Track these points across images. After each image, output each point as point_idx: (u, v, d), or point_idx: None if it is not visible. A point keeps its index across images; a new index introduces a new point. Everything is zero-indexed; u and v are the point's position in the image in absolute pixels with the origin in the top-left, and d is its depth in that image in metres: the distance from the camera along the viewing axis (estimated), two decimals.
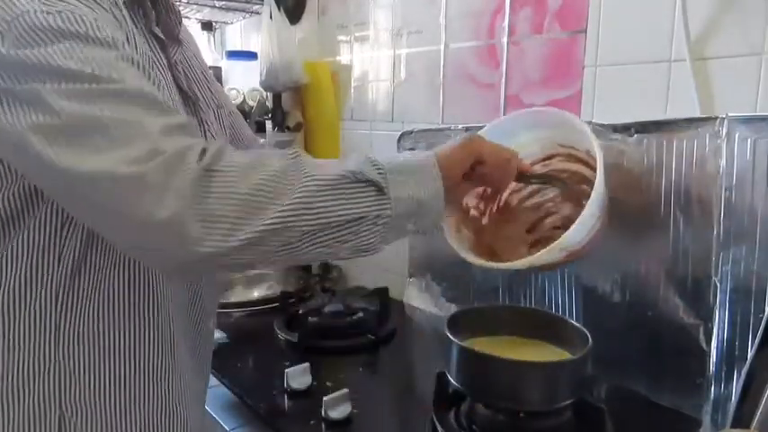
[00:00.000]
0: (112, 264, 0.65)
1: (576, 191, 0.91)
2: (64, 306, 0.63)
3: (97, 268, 0.64)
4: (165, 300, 0.70)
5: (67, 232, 0.62)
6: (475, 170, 0.72)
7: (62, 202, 0.60)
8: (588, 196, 0.80)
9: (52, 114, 0.52)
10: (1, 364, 0.62)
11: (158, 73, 0.67)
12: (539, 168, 0.93)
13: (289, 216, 0.55)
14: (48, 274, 0.63)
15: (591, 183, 0.83)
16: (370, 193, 0.59)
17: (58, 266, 0.63)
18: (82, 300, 0.64)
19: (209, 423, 0.99)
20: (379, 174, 0.60)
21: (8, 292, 0.62)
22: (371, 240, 0.60)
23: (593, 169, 0.83)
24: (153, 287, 0.69)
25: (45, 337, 0.63)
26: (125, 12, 0.64)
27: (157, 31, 0.70)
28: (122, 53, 0.56)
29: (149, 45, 0.68)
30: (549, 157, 0.94)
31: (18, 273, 0.62)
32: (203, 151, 0.54)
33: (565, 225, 0.86)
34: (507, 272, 0.93)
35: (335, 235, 0.58)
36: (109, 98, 0.53)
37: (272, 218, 0.54)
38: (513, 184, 0.91)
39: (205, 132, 0.78)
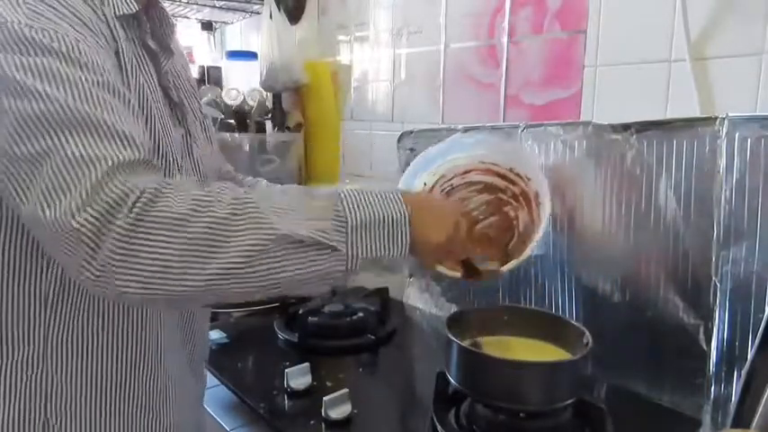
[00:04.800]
0: None
1: (498, 205, 1.04)
2: (53, 312, 0.63)
3: None
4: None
5: None
6: None
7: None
8: (503, 203, 1.00)
9: (9, 144, 0.52)
10: None
11: (145, 87, 0.66)
12: (457, 180, 1.06)
13: (219, 278, 0.53)
14: (37, 278, 0.62)
15: (503, 191, 1.02)
16: (323, 253, 0.57)
17: (47, 271, 0.62)
18: (71, 306, 0.64)
19: (210, 423, 0.99)
20: (339, 231, 0.58)
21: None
22: (323, 289, 0.60)
23: (509, 181, 1.01)
24: None
25: (33, 342, 0.63)
26: (116, 25, 0.63)
27: (151, 43, 0.70)
28: (98, 79, 0.55)
29: (139, 57, 0.68)
30: (468, 171, 1.05)
31: (7, 276, 0.62)
32: (138, 198, 0.52)
33: (494, 229, 1.00)
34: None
35: (275, 290, 0.57)
36: (67, 126, 0.52)
37: (201, 279, 0.52)
38: (438, 193, 1.06)
39: (190, 143, 0.77)
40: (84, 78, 0.54)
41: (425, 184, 1.05)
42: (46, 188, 0.51)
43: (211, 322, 1.32)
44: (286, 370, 0.99)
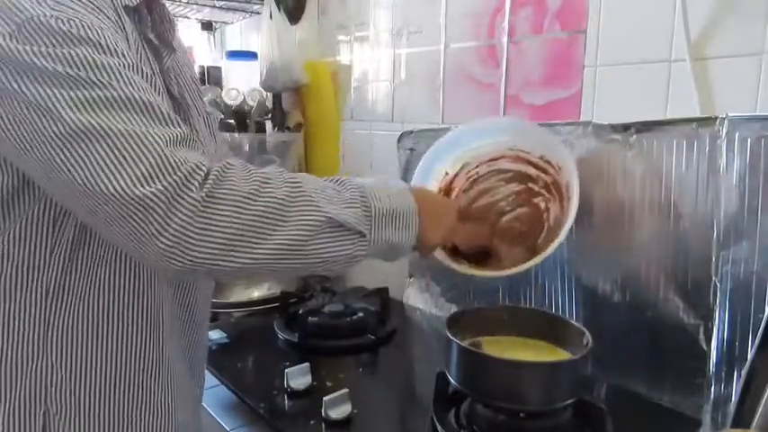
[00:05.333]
0: (104, 262, 0.65)
1: (527, 196, 0.99)
2: (54, 302, 0.64)
3: (89, 266, 0.65)
4: (157, 301, 0.70)
5: (60, 228, 0.62)
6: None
7: (64, 204, 0.61)
8: (533, 194, 0.95)
9: (61, 123, 0.52)
10: None
11: (156, 80, 0.68)
12: (484, 168, 1.00)
13: (279, 253, 0.59)
14: (39, 270, 0.63)
15: (534, 180, 0.96)
16: (353, 237, 0.65)
17: (50, 262, 0.63)
18: (72, 296, 0.64)
19: (210, 423, 0.99)
20: (366, 218, 0.66)
21: (1, 286, 0.62)
22: (343, 271, 0.70)
23: (540, 169, 0.95)
24: (145, 287, 0.69)
25: (33, 332, 0.63)
26: (125, 17, 0.64)
27: (152, 36, 0.70)
28: (127, 62, 0.57)
29: (143, 51, 0.68)
30: (496, 159, 0.99)
31: (9, 268, 0.62)
32: (207, 174, 0.56)
33: (523, 222, 0.96)
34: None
35: (315, 268, 0.64)
36: (116, 108, 0.54)
37: (265, 252, 0.58)
38: (463, 182, 1.01)
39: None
40: (117, 63, 0.56)
41: (447, 173, 0.99)
42: (105, 163, 0.52)
43: (211, 322, 1.33)
44: (286, 370, 1.00)
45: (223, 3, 1.81)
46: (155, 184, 0.52)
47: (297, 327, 1.22)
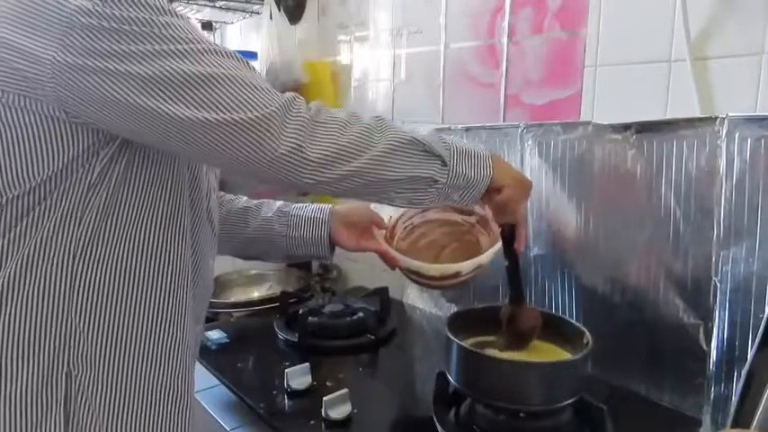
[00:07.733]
0: (129, 231, 0.68)
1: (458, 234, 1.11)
2: (80, 265, 0.65)
3: (115, 233, 0.67)
4: (182, 272, 0.72)
5: (90, 198, 0.65)
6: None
7: (178, 149, 0.66)
8: (463, 233, 1.08)
9: (168, 71, 0.59)
10: (16, 318, 0.64)
11: None
12: (417, 219, 1.12)
13: (372, 164, 0.69)
14: (68, 236, 0.64)
15: (460, 224, 1.08)
16: (435, 161, 0.73)
17: (78, 229, 0.65)
18: (98, 262, 0.66)
19: (210, 423, 0.99)
20: (446, 150, 0.74)
21: (29, 249, 0.63)
22: (423, 198, 0.74)
23: (465, 213, 1.08)
24: (170, 257, 0.71)
25: (59, 295, 0.65)
26: None
27: None
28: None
29: None
30: (425, 210, 1.11)
31: (39, 234, 0.64)
32: (308, 104, 0.67)
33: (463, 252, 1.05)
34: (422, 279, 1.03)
35: (398, 186, 0.72)
36: (218, 56, 0.62)
37: (360, 163, 0.68)
38: (402, 231, 1.12)
39: None
40: (194, 29, 0.63)
41: (391, 216, 1.10)
42: (230, 98, 0.61)
43: (211, 322, 1.33)
44: (286, 370, 1.00)
45: (223, 3, 1.81)
46: (269, 106, 0.63)
47: (297, 327, 1.22)
